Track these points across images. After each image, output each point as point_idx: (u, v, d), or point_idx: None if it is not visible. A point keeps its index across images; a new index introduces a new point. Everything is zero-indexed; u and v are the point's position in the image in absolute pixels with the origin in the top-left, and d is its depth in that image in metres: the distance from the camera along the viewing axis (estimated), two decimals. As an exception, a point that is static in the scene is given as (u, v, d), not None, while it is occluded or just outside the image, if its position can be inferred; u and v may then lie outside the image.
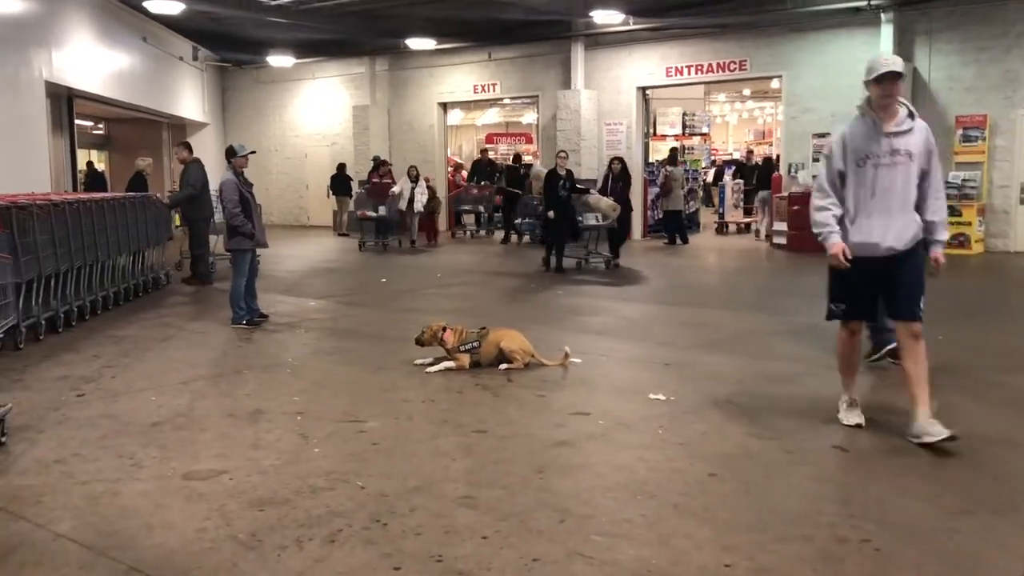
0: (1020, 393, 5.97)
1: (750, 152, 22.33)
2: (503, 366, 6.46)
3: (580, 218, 13.03)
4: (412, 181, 16.85)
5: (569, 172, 13.10)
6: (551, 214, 12.61)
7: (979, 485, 4.10)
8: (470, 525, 3.64)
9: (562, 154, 13.42)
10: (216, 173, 12.35)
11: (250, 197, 8.49)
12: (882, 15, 15.35)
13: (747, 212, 19.68)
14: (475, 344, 6.49)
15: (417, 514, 3.76)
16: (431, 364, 6.55)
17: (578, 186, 13.27)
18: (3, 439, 4.77)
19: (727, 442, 4.78)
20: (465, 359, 6.47)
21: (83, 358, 7.08)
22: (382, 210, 16.85)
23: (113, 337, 8.01)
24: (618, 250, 13.48)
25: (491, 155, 22.90)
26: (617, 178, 13.74)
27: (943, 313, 9.43)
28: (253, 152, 9.09)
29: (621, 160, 14.20)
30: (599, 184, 14.70)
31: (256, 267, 8.76)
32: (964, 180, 14.76)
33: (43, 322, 7.76)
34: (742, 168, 21.44)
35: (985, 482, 4.14)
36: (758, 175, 18.52)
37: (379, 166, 18.40)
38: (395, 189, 16.80)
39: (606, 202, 13.13)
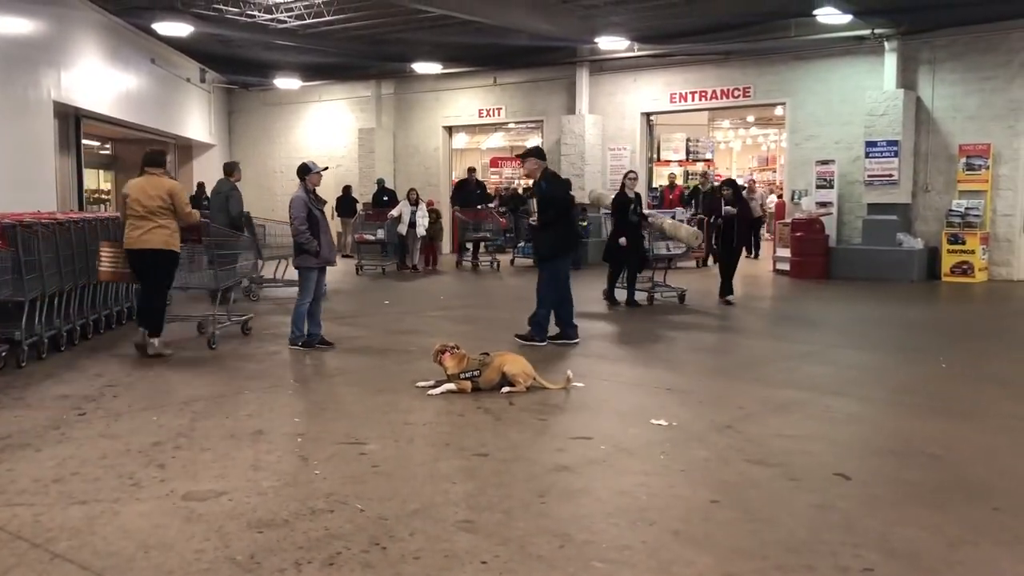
0: (1022, 422, 5.95)
1: (704, 176, 19.46)
2: (505, 389, 6.44)
3: (648, 246, 11.93)
4: (412, 204, 16.79)
5: (638, 195, 11.95)
6: (623, 241, 11.42)
7: (981, 516, 4.07)
8: (470, 550, 3.62)
9: (632, 175, 12.10)
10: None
11: (320, 215, 8.44)
12: (886, 44, 15.47)
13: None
14: (476, 373, 6.47)
15: (416, 538, 3.74)
16: (433, 386, 6.53)
17: (645, 212, 12.10)
18: (248, 331, 9.02)
19: (729, 469, 4.76)
20: (466, 385, 6.45)
21: (85, 377, 7.08)
22: (380, 233, 16.81)
23: (115, 356, 8.01)
24: (730, 285, 12.03)
25: (479, 176, 20.30)
26: (731, 203, 11.94)
27: (947, 341, 9.42)
28: (326, 168, 9.11)
29: (732, 184, 12.59)
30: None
31: (324, 291, 8.61)
32: (967, 208, 14.80)
33: (46, 340, 7.76)
34: (696, 195, 18.31)
35: (987, 513, 4.11)
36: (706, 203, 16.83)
37: (385, 192, 18.42)
38: (394, 212, 16.78)
39: (687, 229, 11.91)
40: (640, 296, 11.73)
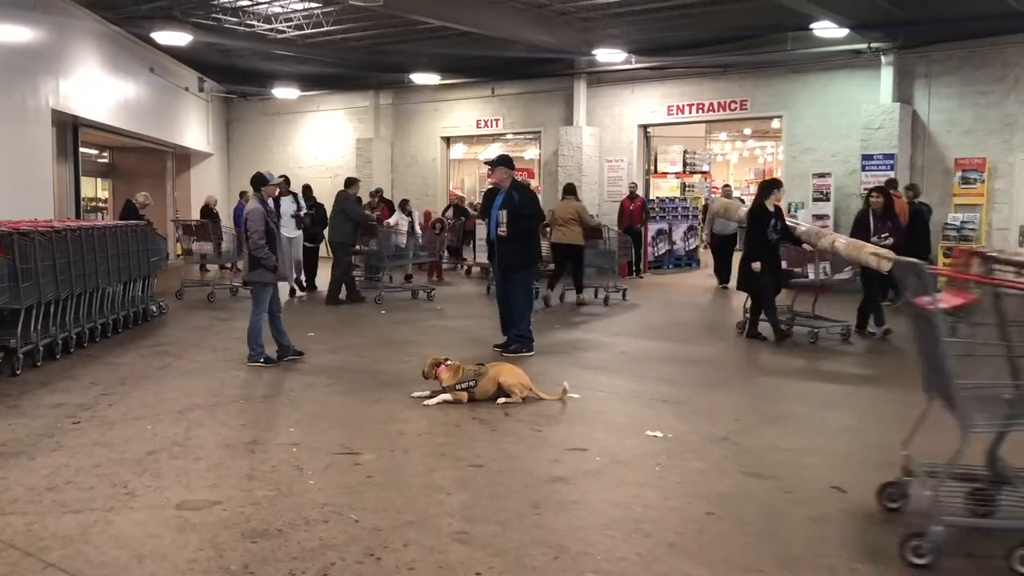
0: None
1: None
2: (501, 400, 6.44)
3: (827, 274, 9.85)
4: (407, 215, 16.65)
5: (778, 209, 9.73)
6: (756, 265, 9.38)
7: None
8: (464, 561, 3.61)
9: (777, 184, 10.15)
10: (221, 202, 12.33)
11: (276, 228, 8.17)
12: (882, 58, 15.52)
13: None
14: (471, 384, 6.47)
15: (411, 549, 3.73)
16: (429, 397, 6.52)
17: (790, 230, 9.83)
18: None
19: (725, 481, 4.75)
20: (462, 395, 6.45)
21: (80, 385, 7.07)
22: (372, 244, 16.61)
23: (110, 365, 8.00)
24: (879, 315, 10.12)
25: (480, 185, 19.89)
26: (881, 217, 9.88)
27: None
28: (283, 178, 8.94)
29: (884, 191, 10.21)
30: (850, 227, 10.65)
31: (277, 301, 8.26)
32: (963, 222, 14.81)
33: (41, 348, 7.75)
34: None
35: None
36: None
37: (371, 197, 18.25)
38: (390, 221, 16.66)
39: (873, 250, 9.19)
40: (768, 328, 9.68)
